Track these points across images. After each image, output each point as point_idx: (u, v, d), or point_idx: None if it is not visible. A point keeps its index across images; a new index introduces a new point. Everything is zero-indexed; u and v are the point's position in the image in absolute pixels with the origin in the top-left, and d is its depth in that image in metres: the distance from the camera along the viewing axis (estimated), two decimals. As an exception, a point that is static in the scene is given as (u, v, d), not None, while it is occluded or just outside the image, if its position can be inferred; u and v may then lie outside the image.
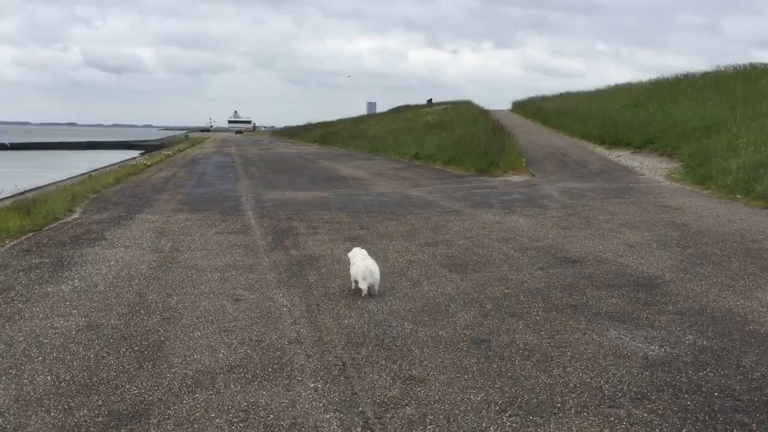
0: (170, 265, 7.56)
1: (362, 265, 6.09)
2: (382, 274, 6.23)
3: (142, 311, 5.69)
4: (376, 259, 6.32)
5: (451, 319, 5.43)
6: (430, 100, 58.81)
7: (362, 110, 74.50)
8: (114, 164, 33.21)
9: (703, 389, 4.01)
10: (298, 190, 15.88)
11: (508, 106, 44.88)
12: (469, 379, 4.19)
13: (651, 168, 18.27)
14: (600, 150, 23.21)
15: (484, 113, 33.75)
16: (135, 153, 58.29)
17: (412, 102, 59.47)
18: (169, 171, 23.85)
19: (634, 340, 4.89)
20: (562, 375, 4.24)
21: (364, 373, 4.28)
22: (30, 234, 9.92)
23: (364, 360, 4.51)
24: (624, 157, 20.83)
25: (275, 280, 6.78)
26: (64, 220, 11.37)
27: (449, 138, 25.49)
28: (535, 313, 5.57)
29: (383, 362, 4.47)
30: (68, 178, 25.82)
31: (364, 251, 6.35)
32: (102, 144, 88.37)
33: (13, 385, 4.08)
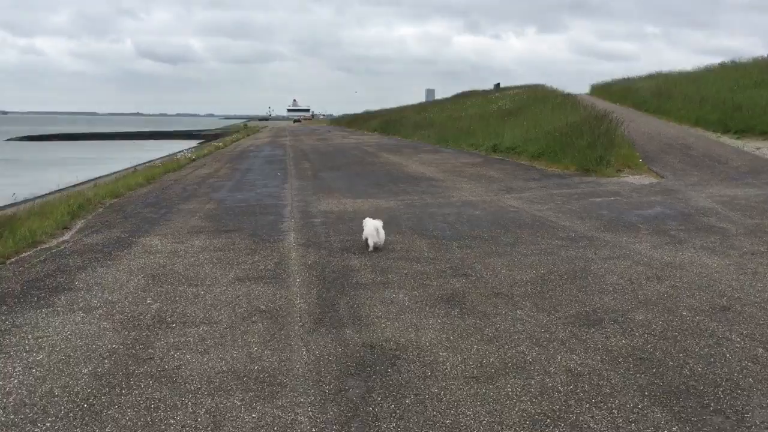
0: (134, 368, 4.19)
1: (372, 226, 7.37)
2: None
3: None
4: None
5: None
6: (498, 85, 54.97)
7: (420, 97, 70.61)
8: (160, 157, 30.75)
9: None
10: (357, 197, 12.41)
11: (574, 89, 39.94)
12: None
13: (819, 165, 13.96)
14: (728, 140, 18.82)
15: (569, 97, 29.43)
16: (194, 142, 56.42)
17: (470, 87, 55.58)
18: (211, 167, 20.81)
19: None
20: None
21: None
22: (-17, 272, 6.89)
23: None
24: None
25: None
26: (44, 246, 8.33)
27: (535, 127, 21.52)
28: None
29: None
30: (106, 175, 23.34)
31: (371, 220, 7.53)
32: (164, 133, 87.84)
33: None
